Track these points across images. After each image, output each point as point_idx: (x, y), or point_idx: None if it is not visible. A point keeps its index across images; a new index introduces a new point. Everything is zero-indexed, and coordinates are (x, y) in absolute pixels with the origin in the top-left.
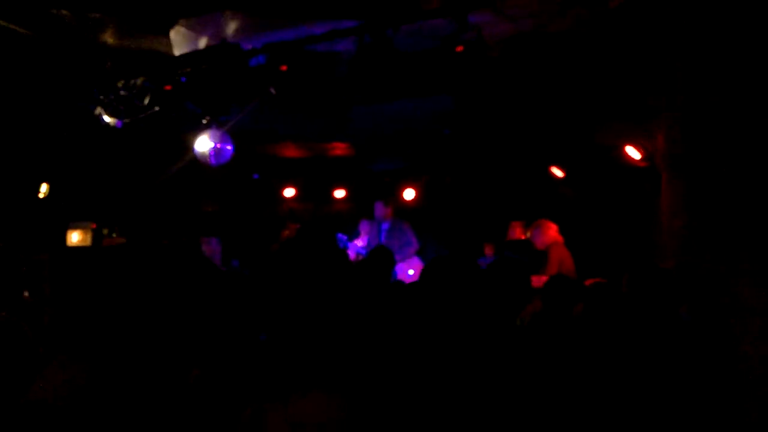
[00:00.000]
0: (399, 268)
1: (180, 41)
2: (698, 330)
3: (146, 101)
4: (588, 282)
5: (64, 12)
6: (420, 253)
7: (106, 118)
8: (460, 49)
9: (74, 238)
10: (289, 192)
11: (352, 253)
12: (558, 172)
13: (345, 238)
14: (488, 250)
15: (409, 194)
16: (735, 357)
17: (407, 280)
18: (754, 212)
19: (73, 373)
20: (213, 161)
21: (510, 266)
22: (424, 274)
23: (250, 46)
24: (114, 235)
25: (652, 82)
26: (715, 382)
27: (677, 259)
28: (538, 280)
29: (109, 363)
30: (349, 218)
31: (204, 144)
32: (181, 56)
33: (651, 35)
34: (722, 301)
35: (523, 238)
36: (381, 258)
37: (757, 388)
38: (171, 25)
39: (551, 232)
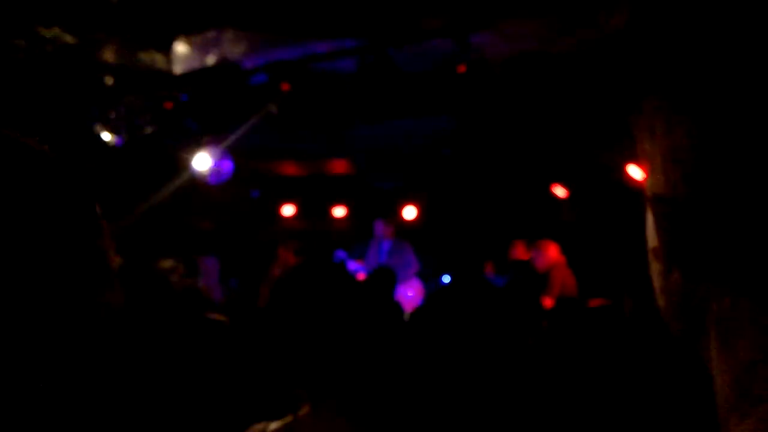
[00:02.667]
0: (398, 289)
1: (181, 59)
2: (683, 355)
3: (146, 119)
4: (592, 303)
5: (65, 31)
6: (419, 274)
7: (106, 136)
8: (462, 69)
9: None
10: (288, 210)
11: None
12: (560, 192)
13: (344, 255)
14: (489, 269)
15: (409, 213)
16: (715, 385)
17: (406, 302)
18: (728, 246)
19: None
20: (212, 179)
21: (523, 289)
22: (432, 298)
23: (251, 65)
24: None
25: (636, 111)
26: (701, 401)
27: (659, 282)
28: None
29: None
30: (349, 236)
31: (203, 162)
32: (182, 74)
33: (644, 60)
34: (703, 326)
35: (526, 257)
36: (383, 279)
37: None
38: (172, 43)
39: (552, 252)
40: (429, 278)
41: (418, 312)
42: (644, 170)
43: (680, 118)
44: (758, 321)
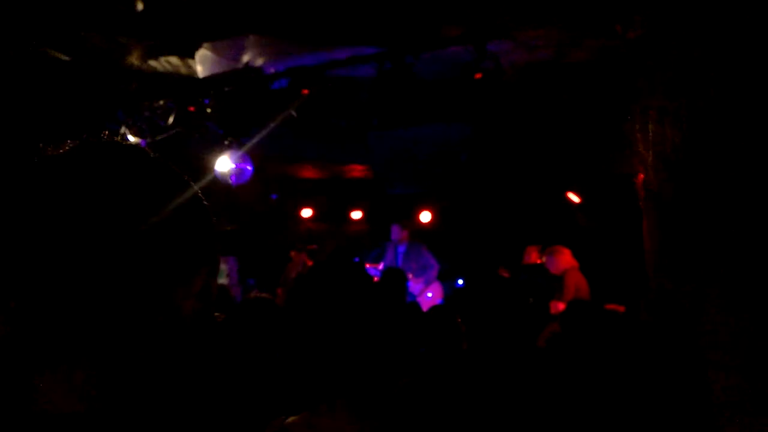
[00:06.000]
0: (419, 290)
1: (204, 64)
2: (671, 355)
3: (170, 122)
4: (606, 308)
5: (95, 36)
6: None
7: (130, 138)
8: (478, 76)
9: None
10: (306, 212)
11: None
12: (574, 198)
13: (357, 260)
14: (504, 275)
15: (425, 217)
16: (707, 383)
17: (425, 303)
18: (717, 242)
19: (79, 382)
20: (233, 181)
21: (521, 288)
22: (448, 302)
23: (272, 70)
24: None
25: (635, 113)
26: (688, 406)
27: (652, 282)
28: (555, 306)
29: (118, 369)
30: (365, 240)
31: (225, 164)
32: (205, 78)
33: (655, 68)
34: (693, 326)
35: (539, 262)
36: (393, 279)
37: (727, 413)
38: (196, 48)
39: (566, 257)
40: (444, 282)
41: (432, 312)
42: (640, 170)
43: (671, 124)
44: (734, 318)
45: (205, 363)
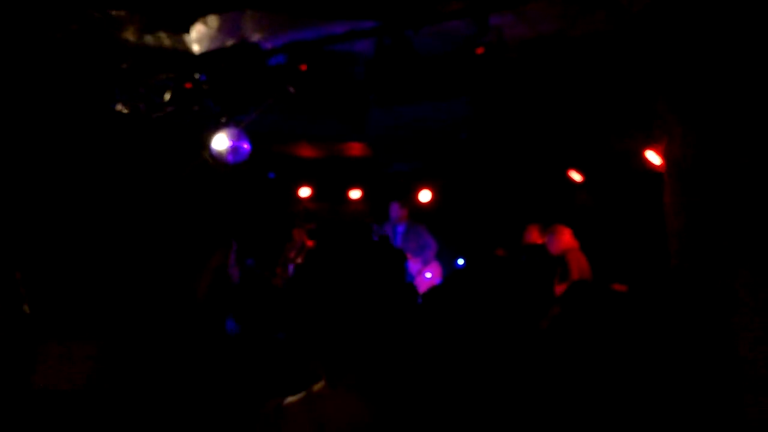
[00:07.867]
0: (417, 270)
1: (200, 40)
2: (699, 331)
3: (166, 99)
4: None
5: (90, 11)
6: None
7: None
8: (480, 50)
9: None
10: (304, 192)
11: None
12: (576, 176)
13: None
14: (501, 254)
15: (425, 196)
16: (736, 357)
17: (424, 283)
18: (749, 215)
19: (78, 359)
20: (230, 159)
21: (535, 272)
22: (446, 282)
23: (269, 46)
24: None
25: (663, 88)
26: (716, 381)
27: (677, 260)
28: (559, 288)
29: (114, 347)
30: (364, 219)
31: (221, 142)
32: (201, 54)
33: (669, 42)
34: (722, 302)
35: (540, 242)
36: (393, 259)
37: (757, 387)
38: (192, 24)
39: (566, 237)
40: (443, 261)
41: (431, 293)
42: (664, 138)
43: (705, 95)
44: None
45: (208, 342)
